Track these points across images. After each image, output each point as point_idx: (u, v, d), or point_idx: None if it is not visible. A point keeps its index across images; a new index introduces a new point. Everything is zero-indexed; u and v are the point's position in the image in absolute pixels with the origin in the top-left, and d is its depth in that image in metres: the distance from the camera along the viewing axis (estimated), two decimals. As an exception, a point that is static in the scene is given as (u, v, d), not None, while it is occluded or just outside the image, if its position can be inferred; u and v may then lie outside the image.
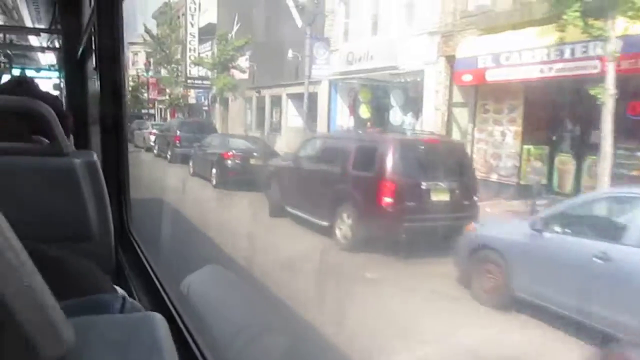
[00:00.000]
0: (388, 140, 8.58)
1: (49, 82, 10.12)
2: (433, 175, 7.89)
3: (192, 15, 31.98)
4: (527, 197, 10.32)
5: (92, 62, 2.81)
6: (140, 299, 1.71)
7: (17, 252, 0.47)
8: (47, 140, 1.38)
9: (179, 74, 33.41)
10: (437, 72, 14.98)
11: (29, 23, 6.36)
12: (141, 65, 59.93)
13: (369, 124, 18.12)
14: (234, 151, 13.35)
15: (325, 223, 8.37)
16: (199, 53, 32.55)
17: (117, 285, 1.06)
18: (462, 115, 14.25)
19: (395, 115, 17.81)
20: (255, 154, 13.24)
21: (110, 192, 1.50)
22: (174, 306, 1.72)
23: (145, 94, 46.62)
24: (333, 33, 19.99)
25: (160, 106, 47.59)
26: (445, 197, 7.84)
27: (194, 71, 32.46)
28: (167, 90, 44.31)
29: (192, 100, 35.23)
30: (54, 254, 0.76)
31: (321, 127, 21.14)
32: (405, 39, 16.13)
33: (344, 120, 20.58)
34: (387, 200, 7.58)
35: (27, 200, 1.26)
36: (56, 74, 9.88)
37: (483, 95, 13.34)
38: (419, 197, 7.69)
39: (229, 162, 13.08)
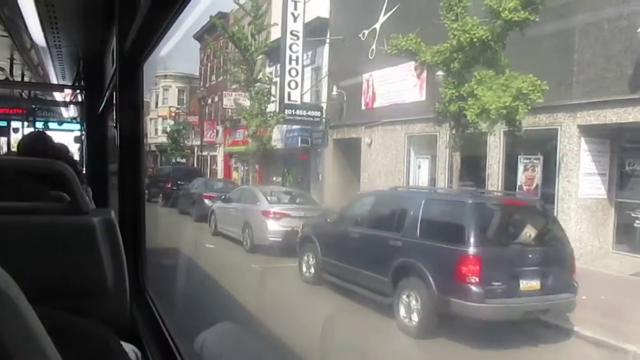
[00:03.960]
0: None
1: (70, 134, 10.21)
2: None
3: (295, 3, 19.07)
4: None
5: (113, 117, 2.90)
6: (152, 356, 1.73)
7: (30, 321, 0.47)
8: (66, 195, 1.43)
9: (267, 100, 20.16)
10: None
11: (53, 78, 6.27)
12: (173, 102, 47.62)
13: None
14: None
15: None
16: (303, 65, 19.43)
17: (130, 341, 1.21)
18: None
19: None
20: None
21: (126, 248, 1.53)
22: None
23: (190, 138, 33.47)
24: None
25: (206, 153, 34.26)
26: None
27: (295, 94, 19.25)
28: (221, 131, 31.31)
29: (276, 144, 21.77)
30: (68, 321, 0.70)
31: None
32: None
33: None
34: None
35: (46, 258, 1.32)
36: (78, 126, 9.62)
37: None
38: None
39: None
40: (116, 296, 1.42)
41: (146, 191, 20.66)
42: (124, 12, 2.17)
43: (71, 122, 10.57)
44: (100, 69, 3.96)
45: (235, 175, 30.17)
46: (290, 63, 18.99)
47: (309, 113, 19.30)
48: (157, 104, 46.22)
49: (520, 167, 11.96)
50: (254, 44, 20.40)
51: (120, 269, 1.43)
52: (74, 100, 7.38)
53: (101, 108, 4.00)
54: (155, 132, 45.65)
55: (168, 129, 35.12)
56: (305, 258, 8.65)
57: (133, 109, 2.37)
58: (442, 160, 14.25)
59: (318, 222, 8.81)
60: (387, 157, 16.53)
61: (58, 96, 8.30)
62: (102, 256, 1.39)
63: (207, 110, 33.31)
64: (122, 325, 1.43)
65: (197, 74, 39.72)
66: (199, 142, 34.36)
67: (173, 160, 35.51)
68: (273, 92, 20.59)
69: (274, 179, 24.69)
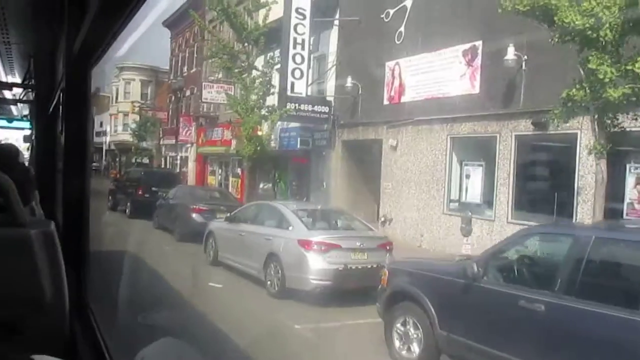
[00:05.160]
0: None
1: (20, 132, 9.87)
2: None
3: (301, -25, 15.79)
4: None
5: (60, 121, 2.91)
6: None
7: None
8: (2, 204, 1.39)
9: (267, 91, 16.75)
10: None
11: (2, 75, 6.12)
12: (136, 96, 43.20)
13: None
14: None
15: None
16: (310, 50, 16.18)
17: (68, 357, 1.15)
18: None
19: None
20: None
21: (68, 259, 1.48)
22: None
23: (157, 136, 29.28)
24: None
25: (174, 153, 30.17)
26: None
27: (300, 86, 15.97)
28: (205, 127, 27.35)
29: (273, 145, 18.33)
30: None
31: None
32: None
33: None
34: None
35: None
36: (28, 124, 9.16)
37: None
38: None
39: None
40: (54, 311, 1.38)
41: (109, 198, 16.43)
42: (72, 15, 2.13)
43: (21, 120, 10.28)
44: (51, 69, 3.94)
45: (211, 180, 26.50)
46: (294, 47, 15.66)
47: (316, 108, 16.02)
48: (117, 98, 41.79)
49: (631, 180, 9.15)
50: (250, 23, 16.96)
51: (59, 283, 1.38)
52: (24, 99, 7.22)
53: (52, 108, 3.93)
54: (115, 129, 41.24)
55: (133, 126, 31.01)
56: (400, 326, 5.39)
57: (80, 113, 2.29)
58: (504, 169, 11.31)
59: (428, 268, 5.54)
60: (420, 163, 13.49)
61: (7, 93, 8.18)
62: (39, 270, 1.33)
63: (178, 105, 29.48)
64: (60, 340, 1.40)
65: (165, 65, 35.78)
66: (167, 141, 30.46)
67: (135, 161, 31.49)
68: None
69: (262, 185, 21.27)
